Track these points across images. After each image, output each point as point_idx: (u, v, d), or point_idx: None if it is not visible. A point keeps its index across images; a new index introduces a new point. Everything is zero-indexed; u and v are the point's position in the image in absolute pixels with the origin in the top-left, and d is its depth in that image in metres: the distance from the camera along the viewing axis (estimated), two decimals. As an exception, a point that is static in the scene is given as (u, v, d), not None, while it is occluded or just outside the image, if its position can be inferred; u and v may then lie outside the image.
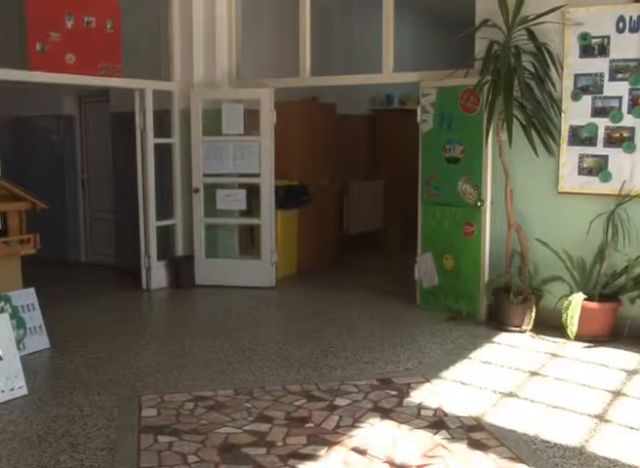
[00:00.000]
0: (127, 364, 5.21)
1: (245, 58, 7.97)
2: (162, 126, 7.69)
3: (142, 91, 7.37)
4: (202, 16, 7.72)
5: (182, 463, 3.62)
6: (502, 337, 5.78)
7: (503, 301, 5.96)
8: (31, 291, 5.59)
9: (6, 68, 6.08)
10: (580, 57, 5.80)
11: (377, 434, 3.94)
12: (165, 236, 7.86)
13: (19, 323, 5.28)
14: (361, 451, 3.73)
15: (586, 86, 5.81)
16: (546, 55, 5.75)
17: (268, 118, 7.46)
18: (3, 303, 5.14)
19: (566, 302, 5.58)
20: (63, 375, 4.98)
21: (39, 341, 5.51)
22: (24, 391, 4.58)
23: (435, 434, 3.94)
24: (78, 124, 9.29)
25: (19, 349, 4.89)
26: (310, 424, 4.08)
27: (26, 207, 5.75)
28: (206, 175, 7.66)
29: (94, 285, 8.06)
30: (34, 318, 5.51)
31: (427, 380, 4.80)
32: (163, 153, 7.74)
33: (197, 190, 7.65)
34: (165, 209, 7.83)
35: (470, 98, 6.15)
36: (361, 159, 10.42)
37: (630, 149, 5.68)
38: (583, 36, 5.77)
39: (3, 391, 4.48)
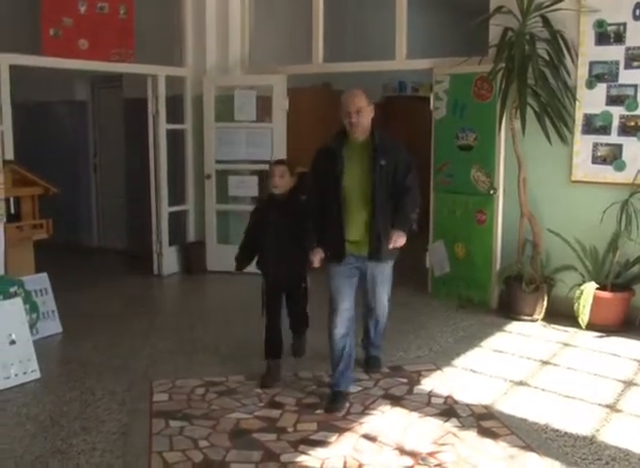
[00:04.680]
0: (138, 349, 5.24)
1: (257, 44, 7.95)
2: (174, 112, 7.69)
3: (155, 77, 7.37)
4: (214, 1, 7.69)
5: (194, 448, 3.64)
6: (514, 326, 5.77)
7: (515, 290, 5.95)
8: (44, 275, 5.62)
9: (19, 53, 6.09)
10: (596, 44, 5.75)
11: (387, 421, 3.95)
12: (177, 222, 7.87)
13: (32, 307, 5.31)
14: (371, 438, 3.75)
15: (601, 74, 5.75)
16: (561, 42, 5.70)
17: (281, 105, 7.44)
18: (16, 288, 5.16)
19: (578, 291, 5.56)
20: (76, 360, 5.01)
21: (52, 326, 5.55)
22: (37, 375, 4.62)
23: (445, 422, 3.94)
24: (91, 109, 9.30)
25: (32, 333, 4.93)
26: (321, 410, 4.10)
27: (39, 192, 5.78)
28: (218, 162, 7.66)
29: (105, 270, 8.09)
30: (47, 302, 5.55)
31: (438, 368, 4.80)
32: (175, 139, 7.74)
33: (209, 176, 7.65)
34: (177, 195, 7.84)
35: (484, 86, 6.11)
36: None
37: (645, 138, 5.65)
38: (599, 23, 5.71)
39: (17, 374, 4.52)
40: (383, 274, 4.42)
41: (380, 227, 4.12)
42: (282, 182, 4.47)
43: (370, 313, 4.60)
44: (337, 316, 4.16)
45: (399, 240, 4.03)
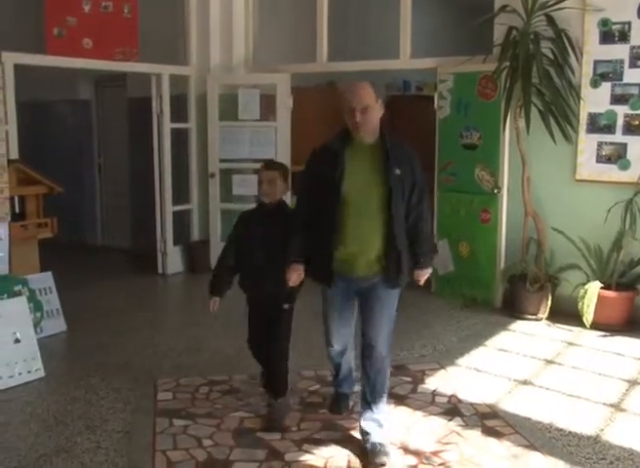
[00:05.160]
0: (142, 347, 5.24)
1: (261, 43, 7.95)
2: (178, 111, 7.69)
3: (159, 75, 7.37)
4: (219, 0, 7.69)
5: (198, 446, 3.65)
6: (518, 325, 5.77)
7: (519, 289, 5.95)
8: (48, 274, 5.63)
9: (24, 53, 6.10)
10: (600, 43, 5.74)
11: (391, 420, 3.94)
12: (181, 221, 7.88)
13: (36, 306, 5.32)
14: (375, 437, 3.74)
15: (606, 73, 5.74)
16: (566, 41, 5.69)
17: (285, 103, 7.44)
18: (21, 286, 5.17)
19: (582, 291, 5.55)
20: (80, 358, 5.02)
21: (56, 324, 5.55)
22: (42, 373, 4.63)
23: (449, 421, 3.94)
24: (95, 108, 9.31)
25: (36, 332, 4.94)
26: (324, 410, 4.10)
27: (44, 191, 5.79)
28: (222, 161, 7.66)
29: (110, 269, 8.10)
30: (51, 301, 5.56)
31: (442, 367, 4.80)
32: (179, 138, 7.74)
33: (213, 175, 7.66)
34: (181, 194, 7.84)
35: (488, 85, 6.11)
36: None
37: (650, 137, 5.63)
38: (604, 22, 5.70)
39: (21, 373, 4.52)
40: (382, 300, 3.60)
41: (400, 247, 3.46)
42: (272, 190, 3.80)
43: (366, 354, 3.62)
44: (332, 337, 3.84)
45: (424, 278, 3.68)
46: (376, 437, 3.56)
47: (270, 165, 3.98)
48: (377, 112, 3.41)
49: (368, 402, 3.63)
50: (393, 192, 3.39)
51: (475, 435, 3.77)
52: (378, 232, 3.44)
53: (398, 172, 3.40)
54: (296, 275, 3.53)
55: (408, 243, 3.52)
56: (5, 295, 4.94)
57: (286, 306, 3.91)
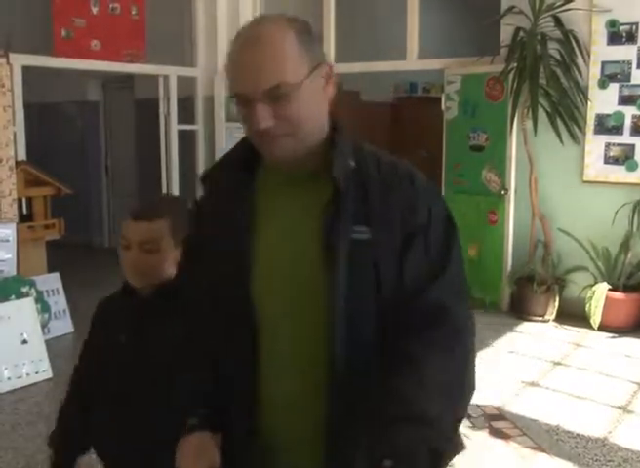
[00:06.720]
0: (150, 348, 5.24)
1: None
2: (186, 112, 7.71)
3: (166, 77, 7.38)
4: (226, 1, 7.71)
5: (204, 448, 3.64)
6: (525, 327, 5.75)
7: (526, 291, 5.93)
8: (56, 275, 5.65)
9: (31, 54, 6.12)
10: (608, 44, 5.72)
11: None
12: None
13: (43, 307, 5.34)
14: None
15: (614, 74, 5.73)
16: (573, 42, 5.68)
17: (291, 105, 7.44)
18: (28, 287, 5.19)
19: (590, 292, 5.53)
20: (87, 359, 5.02)
21: (63, 325, 5.56)
22: (49, 374, 4.64)
23: (456, 422, 3.93)
24: (102, 110, 9.34)
25: (43, 333, 4.95)
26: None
27: (51, 192, 5.80)
28: (229, 162, 7.66)
29: (117, 270, 8.04)
30: (59, 302, 5.57)
31: (449, 369, 4.78)
32: (186, 139, 7.75)
33: (220, 177, 7.65)
34: (188, 195, 7.84)
35: (495, 86, 6.09)
36: (384, 147, 10.29)
37: (658, 138, 5.62)
38: (611, 23, 5.69)
39: (28, 374, 4.54)
40: None
41: (347, 427, 1.44)
42: (149, 261, 1.94)
43: None
44: None
45: None
46: None
47: (145, 211, 1.92)
48: (311, 98, 1.42)
49: None
50: (339, 300, 1.40)
51: (482, 436, 3.76)
52: (309, 398, 1.48)
53: (364, 232, 1.42)
54: (189, 455, 1.42)
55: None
56: (12, 297, 4.95)
57: None
